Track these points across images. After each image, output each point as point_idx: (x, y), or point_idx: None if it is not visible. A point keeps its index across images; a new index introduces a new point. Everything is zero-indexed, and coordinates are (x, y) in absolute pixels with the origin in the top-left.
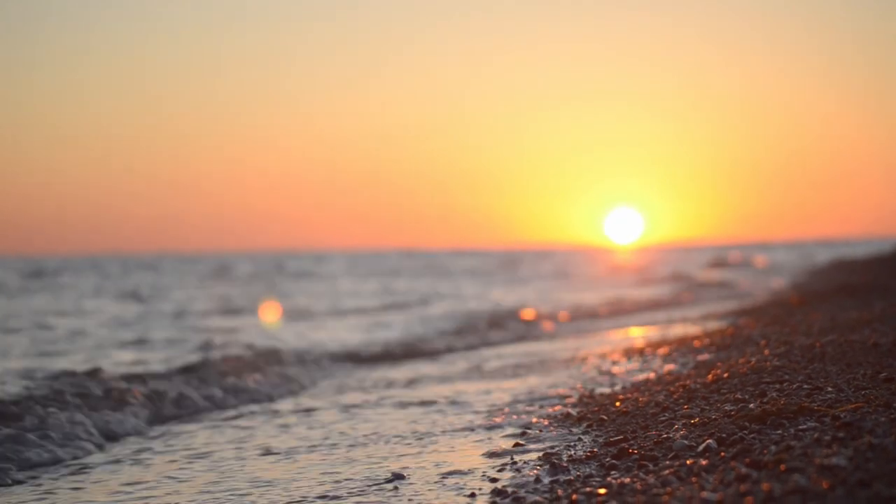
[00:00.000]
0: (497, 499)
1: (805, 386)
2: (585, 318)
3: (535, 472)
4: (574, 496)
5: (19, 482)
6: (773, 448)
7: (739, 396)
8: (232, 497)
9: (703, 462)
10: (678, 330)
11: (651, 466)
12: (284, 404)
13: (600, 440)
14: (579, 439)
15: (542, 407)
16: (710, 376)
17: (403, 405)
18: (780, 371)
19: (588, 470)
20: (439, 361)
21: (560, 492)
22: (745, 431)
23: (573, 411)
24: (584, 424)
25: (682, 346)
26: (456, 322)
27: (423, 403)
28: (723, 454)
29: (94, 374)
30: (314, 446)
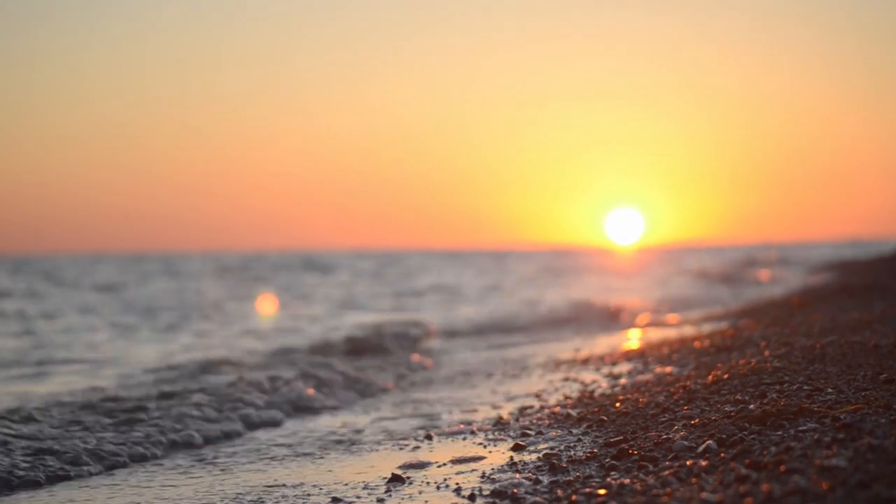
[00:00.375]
0: (496, 499)
1: (805, 387)
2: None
3: (534, 472)
4: (574, 497)
5: None
6: (772, 449)
7: (739, 397)
8: None
9: (703, 463)
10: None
11: (651, 467)
12: None
13: (600, 441)
14: (579, 440)
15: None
16: (710, 377)
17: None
18: (780, 372)
19: (588, 471)
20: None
21: (560, 492)
22: (745, 432)
23: (573, 412)
24: (584, 425)
25: (682, 346)
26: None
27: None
28: (723, 455)
29: None
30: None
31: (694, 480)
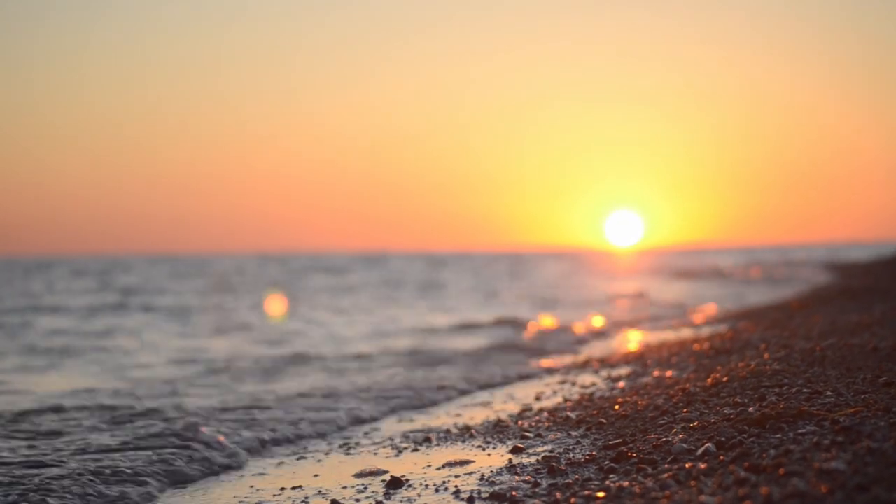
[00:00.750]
0: (495, 502)
1: (804, 390)
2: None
3: (533, 475)
4: (572, 499)
5: None
6: (772, 452)
7: (739, 400)
8: None
9: (702, 466)
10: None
11: (650, 470)
12: None
13: (599, 443)
14: (578, 442)
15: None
16: (709, 380)
17: None
18: (779, 375)
19: (587, 473)
20: None
21: (559, 495)
22: (745, 435)
23: (572, 414)
24: (583, 428)
25: (682, 349)
26: None
27: None
28: (722, 458)
29: None
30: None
31: (693, 483)
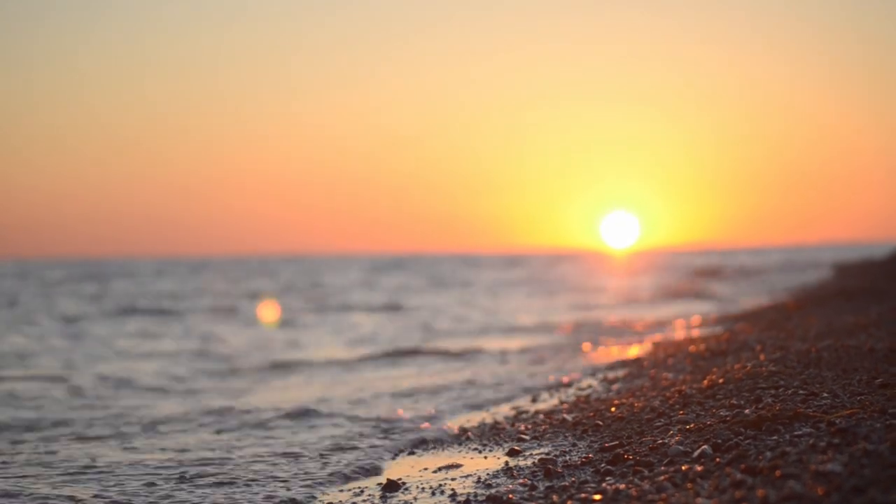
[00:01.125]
0: None
1: (801, 391)
2: None
3: (530, 478)
4: (569, 502)
5: None
6: (768, 454)
7: (735, 402)
8: None
9: (699, 468)
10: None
11: (646, 472)
12: None
13: (595, 446)
14: (574, 445)
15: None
16: (705, 382)
17: None
18: (775, 376)
19: (583, 476)
20: None
21: (555, 498)
22: (741, 437)
23: (569, 416)
24: (580, 430)
25: (678, 351)
26: None
27: None
28: (718, 460)
29: None
30: None
31: (689, 485)
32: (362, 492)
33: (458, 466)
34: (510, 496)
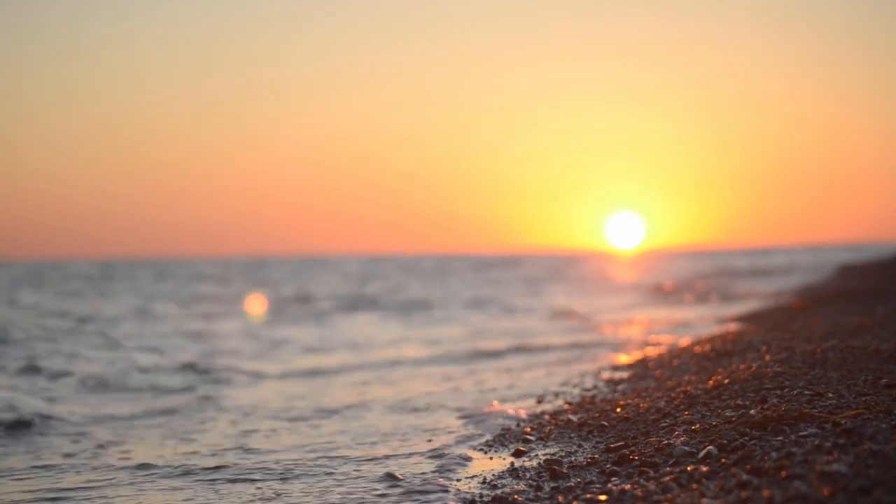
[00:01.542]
0: None
1: (806, 392)
2: None
3: (535, 478)
4: (574, 503)
5: None
6: (774, 454)
7: (740, 402)
8: None
9: (704, 468)
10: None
11: (652, 473)
12: None
13: (601, 446)
14: (580, 445)
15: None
16: (711, 382)
17: None
18: (781, 377)
19: (589, 476)
20: None
21: (561, 498)
22: (746, 438)
23: (574, 417)
24: (585, 430)
25: (684, 352)
26: None
27: None
28: (724, 460)
29: None
30: None
31: (695, 486)
32: (364, 490)
33: (462, 467)
34: (516, 497)
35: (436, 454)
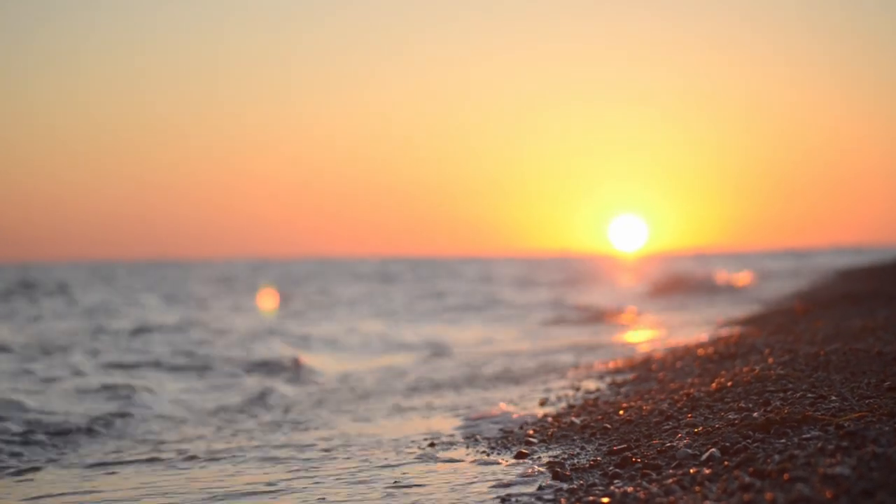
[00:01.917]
0: None
1: (809, 395)
2: None
3: (538, 480)
4: None
5: None
6: (776, 457)
7: (743, 405)
8: None
9: (707, 471)
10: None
11: (654, 475)
12: None
13: (604, 449)
14: (583, 448)
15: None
16: (713, 385)
17: None
18: (783, 380)
19: (591, 479)
20: None
21: (563, 501)
22: (749, 440)
23: (577, 420)
24: (588, 433)
25: (686, 354)
26: None
27: None
28: (726, 463)
29: None
30: None
31: (697, 489)
32: (366, 496)
33: (465, 469)
34: (518, 498)
35: (437, 457)
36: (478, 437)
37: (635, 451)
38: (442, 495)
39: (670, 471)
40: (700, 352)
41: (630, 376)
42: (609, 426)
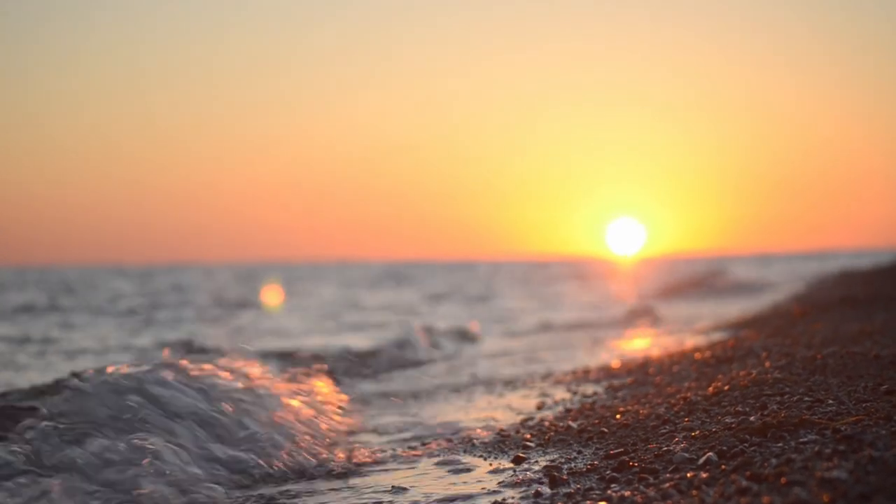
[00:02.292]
0: None
1: (806, 398)
2: None
3: (535, 485)
4: None
5: None
6: (773, 461)
7: (740, 409)
8: None
9: (704, 475)
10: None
11: (651, 479)
12: None
13: (601, 453)
14: (580, 452)
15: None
16: (710, 389)
17: None
18: (781, 383)
19: (588, 483)
20: None
21: None
22: (746, 444)
23: (574, 423)
24: (585, 437)
25: (682, 358)
26: None
27: None
28: (723, 467)
29: None
30: None
31: (695, 492)
32: (363, 500)
33: (460, 473)
34: (514, 503)
35: (433, 460)
36: (474, 440)
37: (632, 455)
38: (437, 499)
39: (667, 475)
40: (697, 356)
41: (627, 380)
42: (606, 430)
